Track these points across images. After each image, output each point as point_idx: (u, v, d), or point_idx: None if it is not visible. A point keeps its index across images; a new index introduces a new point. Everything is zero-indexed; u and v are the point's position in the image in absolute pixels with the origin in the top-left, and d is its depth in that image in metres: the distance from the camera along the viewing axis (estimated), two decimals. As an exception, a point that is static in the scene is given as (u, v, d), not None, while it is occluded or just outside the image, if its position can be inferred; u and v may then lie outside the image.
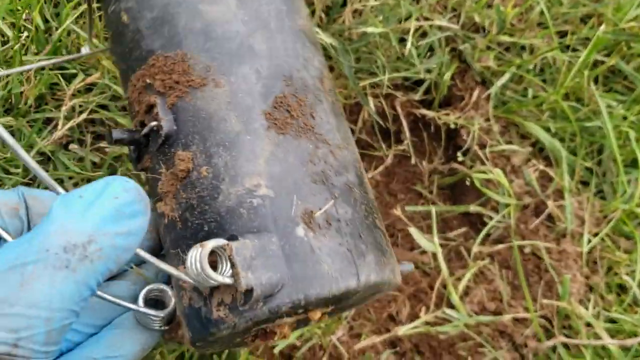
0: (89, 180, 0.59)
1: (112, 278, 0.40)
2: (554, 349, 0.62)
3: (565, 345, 0.62)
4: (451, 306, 0.64)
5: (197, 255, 0.33)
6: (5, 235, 0.33)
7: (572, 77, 0.71)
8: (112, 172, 0.61)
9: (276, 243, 0.35)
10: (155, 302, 0.39)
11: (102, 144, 0.61)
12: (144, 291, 0.38)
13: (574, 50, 0.76)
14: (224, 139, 0.37)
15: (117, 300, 0.36)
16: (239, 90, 0.38)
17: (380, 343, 0.63)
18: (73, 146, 0.60)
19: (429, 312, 0.64)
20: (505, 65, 0.75)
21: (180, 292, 0.37)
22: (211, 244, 0.33)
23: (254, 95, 0.39)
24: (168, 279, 0.40)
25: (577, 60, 0.71)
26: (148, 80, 0.40)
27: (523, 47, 0.76)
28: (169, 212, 0.38)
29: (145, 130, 0.39)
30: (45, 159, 0.60)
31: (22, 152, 0.31)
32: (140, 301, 0.38)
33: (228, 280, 0.33)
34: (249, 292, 0.33)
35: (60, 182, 0.59)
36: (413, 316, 0.65)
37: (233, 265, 0.33)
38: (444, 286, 0.65)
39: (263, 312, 0.34)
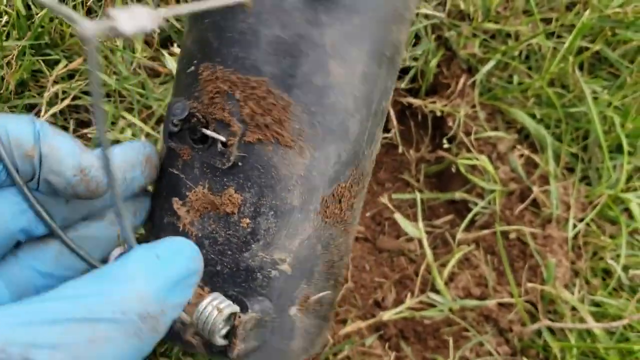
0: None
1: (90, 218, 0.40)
2: (539, 333, 0.62)
3: (550, 330, 0.62)
4: (436, 291, 0.64)
5: (214, 318, 0.33)
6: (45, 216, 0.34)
7: (557, 64, 0.71)
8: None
9: (270, 316, 0.37)
10: None
11: (85, 130, 0.61)
12: (114, 253, 0.35)
13: (559, 36, 0.76)
14: (279, 207, 0.37)
15: (88, 258, 0.35)
16: (315, 168, 0.37)
17: (366, 328, 0.63)
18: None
19: (414, 297, 0.64)
20: (490, 52, 0.75)
21: None
22: (228, 311, 0.34)
23: (325, 179, 0.37)
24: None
25: (562, 47, 0.71)
26: (236, 96, 0.35)
27: (508, 35, 0.76)
28: (189, 226, 0.38)
29: (211, 133, 0.36)
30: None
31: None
32: (112, 260, 0.36)
33: (224, 342, 0.34)
34: (229, 354, 0.35)
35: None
36: (399, 302, 0.65)
37: (234, 336, 0.34)
38: (430, 272, 0.65)
39: None
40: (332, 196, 0.38)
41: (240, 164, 0.36)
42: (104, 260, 0.36)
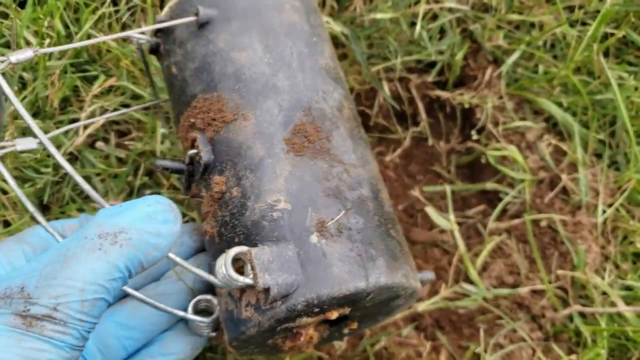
0: (115, 176, 0.63)
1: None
2: (570, 318, 0.63)
3: (582, 314, 0.63)
4: (470, 281, 0.66)
5: (223, 261, 0.38)
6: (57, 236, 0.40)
7: (582, 51, 0.72)
8: (137, 167, 0.64)
9: (292, 249, 0.40)
10: (204, 311, 0.45)
11: (126, 141, 0.65)
12: (193, 301, 0.44)
13: (584, 24, 0.76)
14: (251, 164, 0.43)
15: (170, 309, 0.42)
16: (263, 122, 0.44)
17: (401, 319, 0.65)
18: (99, 144, 0.63)
19: (448, 287, 0.66)
20: (515, 43, 0.76)
21: (219, 298, 0.43)
22: (234, 250, 0.39)
23: (276, 125, 0.44)
24: (213, 290, 0.46)
25: (586, 34, 0.72)
26: (192, 120, 0.46)
27: (532, 25, 0.77)
28: (210, 229, 0.44)
29: (187, 160, 0.46)
30: (72, 158, 0.63)
31: (72, 170, 0.37)
32: (190, 310, 0.44)
33: (249, 281, 0.38)
34: (266, 291, 0.38)
35: (88, 179, 0.63)
36: (433, 293, 0.67)
37: (252, 268, 0.38)
38: (463, 262, 0.67)
39: (282, 310, 0.39)
40: (293, 134, 0.44)
41: (212, 157, 0.44)
42: (185, 310, 0.44)
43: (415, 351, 0.62)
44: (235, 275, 0.38)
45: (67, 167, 0.37)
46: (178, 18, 0.49)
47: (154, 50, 0.52)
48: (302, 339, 0.44)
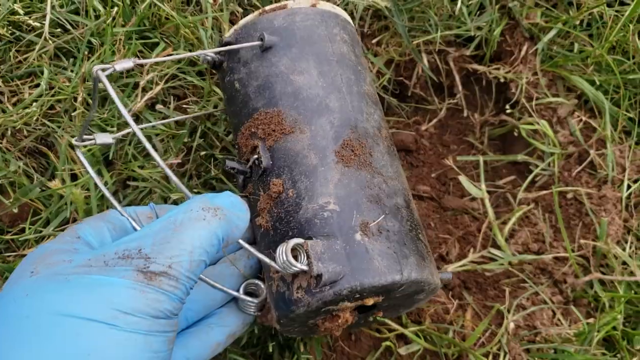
0: (173, 137, 0.68)
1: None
2: (590, 284, 0.68)
3: (601, 282, 0.68)
4: (497, 247, 0.71)
5: (283, 248, 0.46)
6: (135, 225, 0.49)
7: (618, 31, 0.74)
8: (193, 129, 0.69)
9: (340, 244, 0.47)
10: (251, 294, 0.54)
11: (183, 104, 0.70)
12: (244, 284, 0.53)
13: (622, 3, 0.79)
14: (305, 170, 0.50)
15: (225, 289, 0.50)
16: (317, 135, 0.51)
17: (431, 279, 0.70)
18: (159, 106, 0.68)
19: (476, 252, 0.70)
20: (552, 21, 0.79)
21: (270, 282, 0.51)
22: (293, 241, 0.46)
23: (328, 139, 0.51)
24: (258, 277, 0.55)
25: (623, 15, 0.75)
26: (253, 130, 0.54)
27: (570, 3, 0.79)
28: (264, 223, 0.51)
29: (250, 162, 0.53)
30: (135, 119, 0.68)
31: (160, 160, 0.43)
32: (241, 290, 0.53)
33: (304, 267, 0.45)
34: (319, 277, 0.45)
35: (149, 138, 0.68)
36: (462, 256, 0.71)
37: (308, 257, 0.45)
38: (491, 229, 0.72)
39: (329, 294, 0.46)
40: (342, 148, 0.51)
41: (271, 162, 0.52)
42: (237, 291, 0.52)
43: (443, 308, 0.68)
44: (293, 262, 0.45)
45: (158, 160, 0.43)
46: (243, 40, 0.57)
47: (217, 65, 0.60)
48: (339, 320, 0.51)
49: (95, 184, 0.64)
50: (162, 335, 0.40)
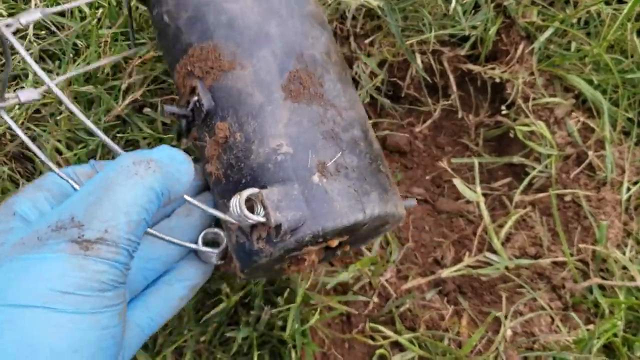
0: (161, 140, 0.67)
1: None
2: (589, 290, 0.66)
3: (601, 287, 0.66)
4: (493, 251, 0.69)
5: (237, 201, 0.42)
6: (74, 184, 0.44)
7: (616, 30, 0.73)
8: (181, 131, 0.67)
9: (297, 189, 0.44)
10: (211, 242, 0.50)
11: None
12: (202, 234, 0.49)
13: (619, 1, 0.77)
14: (251, 110, 0.46)
15: (182, 242, 0.47)
16: (260, 70, 0.47)
17: (426, 284, 0.68)
18: (147, 110, 0.67)
19: (472, 256, 0.69)
20: (549, 19, 0.77)
21: (229, 232, 0.48)
22: (247, 192, 0.43)
23: (272, 72, 0.47)
24: (217, 223, 0.51)
25: (621, 13, 0.73)
26: (189, 68, 0.49)
27: (567, 1, 0.78)
28: (215, 171, 0.48)
29: (190, 105, 0.49)
30: (121, 122, 0.67)
31: (87, 121, 0.41)
32: (200, 242, 0.49)
33: (262, 219, 0.43)
34: (278, 227, 0.43)
35: (136, 142, 0.66)
36: (457, 260, 0.70)
37: (264, 207, 0.43)
38: (487, 233, 0.70)
39: (291, 242, 0.44)
40: (289, 81, 0.47)
41: (213, 103, 0.47)
42: (195, 242, 0.48)
43: (438, 314, 0.66)
44: (249, 214, 0.42)
45: (77, 112, 0.41)
46: None
47: None
48: (305, 263, 0.49)
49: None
50: (110, 309, 0.37)
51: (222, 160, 0.47)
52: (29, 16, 0.42)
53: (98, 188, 0.38)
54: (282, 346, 0.62)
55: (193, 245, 0.48)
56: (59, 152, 0.64)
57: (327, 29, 0.53)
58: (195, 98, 0.48)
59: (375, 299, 0.66)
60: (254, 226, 0.45)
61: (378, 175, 0.48)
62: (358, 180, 0.46)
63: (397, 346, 0.65)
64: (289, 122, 0.46)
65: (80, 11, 0.68)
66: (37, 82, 0.66)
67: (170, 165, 0.40)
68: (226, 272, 0.51)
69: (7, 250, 0.37)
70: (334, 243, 0.47)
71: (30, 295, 0.35)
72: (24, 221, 0.42)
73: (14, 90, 0.48)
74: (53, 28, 0.68)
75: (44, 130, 0.65)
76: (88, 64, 0.66)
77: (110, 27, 0.68)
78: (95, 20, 0.66)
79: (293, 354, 0.61)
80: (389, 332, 0.61)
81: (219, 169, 0.47)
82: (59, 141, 0.64)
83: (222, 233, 0.50)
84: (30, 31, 0.67)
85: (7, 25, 0.41)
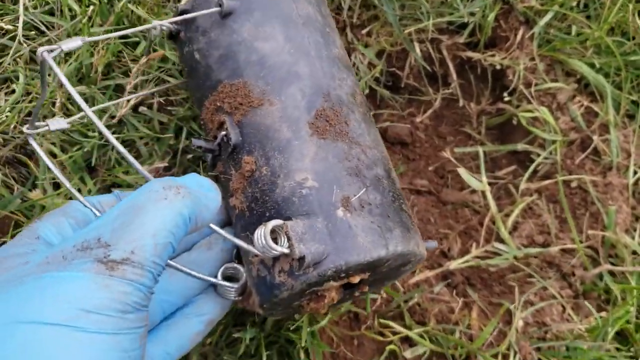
0: (158, 140, 0.65)
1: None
2: (600, 276, 0.65)
3: (611, 273, 0.65)
4: (501, 241, 0.68)
5: (262, 232, 0.42)
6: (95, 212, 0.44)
7: (617, 12, 0.72)
8: (179, 129, 0.66)
9: (321, 223, 0.44)
10: (230, 277, 0.50)
11: (169, 107, 0.66)
12: (221, 269, 0.49)
13: (619, -17, 0.76)
14: (278, 145, 0.47)
15: (201, 276, 0.46)
16: (288, 107, 0.48)
17: (434, 277, 0.67)
18: (143, 109, 0.65)
19: (479, 247, 0.68)
20: (548, 3, 0.76)
21: (250, 266, 0.47)
22: (272, 223, 0.43)
23: (300, 109, 0.48)
24: (238, 257, 0.51)
25: (621, -6, 0.72)
26: (218, 104, 0.50)
27: (566, -16, 0.77)
28: (239, 204, 0.48)
29: (218, 140, 0.49)
30: (117, 122, 0.65)
31: (116, 143, 0.39)
32: (219, 276, 0.49)
33: (285, 250, 0.42)
34: (301, 259, 0.43)
35: (132, 142, 0.65)
36: (464, 252, 0.69)
37: (289, 239, 0.42)
38: (494, 222, 0.69)
39: (313, 276, 0.43)
40: (316, 118, 0.48)
41: (240, 138, 0.48)
42: (215, 277, 0.48)
43: (448, 307, 0.65)
44: (273, 245, 0.42)
45: (116, 143, 0.39)
46: (200, 8, 0.52)
47: (174, 36, 0.55)
48: (325, 300, 0.48)
49: (79, 191, 0.61)
50: (131, 332, 0.36)
51: (246, 194, 0.47)
52: (71, 43, 0.42)
53: (126, 211, 0.38)
54: (290, 346, 0.61)
55: (213, 279, 0.47)
56: (54, 155, 0.62)
57: (352, 72, 0.54)
58: (223, 133, 0.49)
59: (383, 294, 0.65)
60: (276, 259, 0.45)
61: (400, 213, 0.48)
62: (381, 216, 0.46)
63: (407, 341, 0.64)
64: (315, 157, 0.46)
65: (71, 10, 0.66)
66: (29, 85, 0.65)
67: (198, 192, 0.40)
68: (244, 308, 0.51)
69: (32, 268, 0.37)
70: (356, 279, 0.47)
71: (53, 312, 0.34)
72: (47, 245, 0.43)
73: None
74: (43, 28, 0.66)
75: (38, 134, 0.63)
76: (80, 63, 0.64)
77: (101, 25, 0.66)
78: (86, 18, 0.64)
79: (302, 354, 0.60)
80: (398, 327, 0.60)
81: (243, 202, 0.48)
82: (53, 144, 0.63)
83: (241, 269, 0.50)
84: (20, 32, 0.65)
85: (49, 51, 0.40)
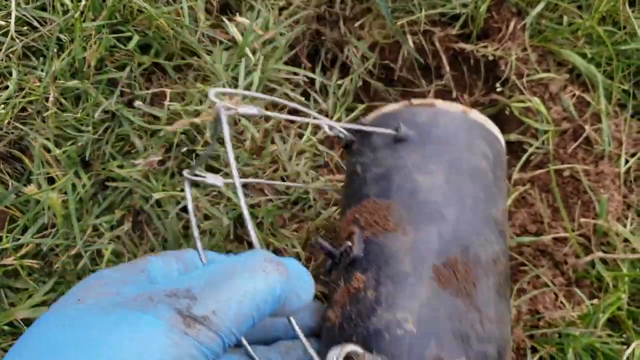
0: (152, 134, 0.65)
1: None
2: (592, 264, 0.66)
3: (603, 261, 0.65)
4: (494, 230, 0.68)
5: (337, 351, 0.39)
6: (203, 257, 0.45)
7: (607, 1, 0.72)
8: (171, 124, 0.66)
9: None
10: None
11: (163, 101, 0.67)
12: None
13: (610, -27, 0.76)
14: (394, 275, 0.44)
15: None
16: (420, 242, 0.46)
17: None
18: (138, 103, 0.65)
19: (473, 236, 0.68)
20: (539, -6, 0.76)
21: None
22: (350, 347, 0.40)
23: (431, 250, 0.45)
24: None
25: (612, -16, 0.72)
26: (357, 216, 0.49)
27: (557, -25, 0.77)
28: (333, 317, 0.46)
29: (342, 248, 0.48)
30: (110, 116, 0.66)
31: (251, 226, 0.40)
32: None
33: None
34: None
35: (127, 136, 0.65)
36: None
37: None
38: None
39: None
40: (443, 266, 0.45)
41: (362, 254, 0.47)
42: None
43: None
44: None
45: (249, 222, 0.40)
46: (379, 127, 0.53)
47: (348, 145, 0.56)
48: None
49: (73, 185, 0.61)
50: None
51: (344, 310, 0.45)
52: (248, 110, 0.43)
53: (224, 269, 0.38)
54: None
55: None
56: (48, 150, 0.63)
57: (504, 240, 0.52)
58: (349, 243, 0.48)
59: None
60: None
61: None
62: None
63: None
64: (425, 303, 0.43)
65: (62, 4, 0.66)
66: (22, 80, 0.65)
67: (294, 278, 0.39)
68: None
69: (118, 300, 0.37)
70: None
71: (118, 353, 0.34)
72: (149, 280, 0.43)
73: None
74: (35, 23, 0.66)
75: (32, 129, 0.64)
76: (73, 58, 0.64)
77: (94, 20, 0.66)
78: (78, 13, 0.65)
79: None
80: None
81: (337, 317, 0.46)
82: (47, 139, 0.63)
83: None
84: (12, 27, 0.65)
85: (227, 109, 0.41)
